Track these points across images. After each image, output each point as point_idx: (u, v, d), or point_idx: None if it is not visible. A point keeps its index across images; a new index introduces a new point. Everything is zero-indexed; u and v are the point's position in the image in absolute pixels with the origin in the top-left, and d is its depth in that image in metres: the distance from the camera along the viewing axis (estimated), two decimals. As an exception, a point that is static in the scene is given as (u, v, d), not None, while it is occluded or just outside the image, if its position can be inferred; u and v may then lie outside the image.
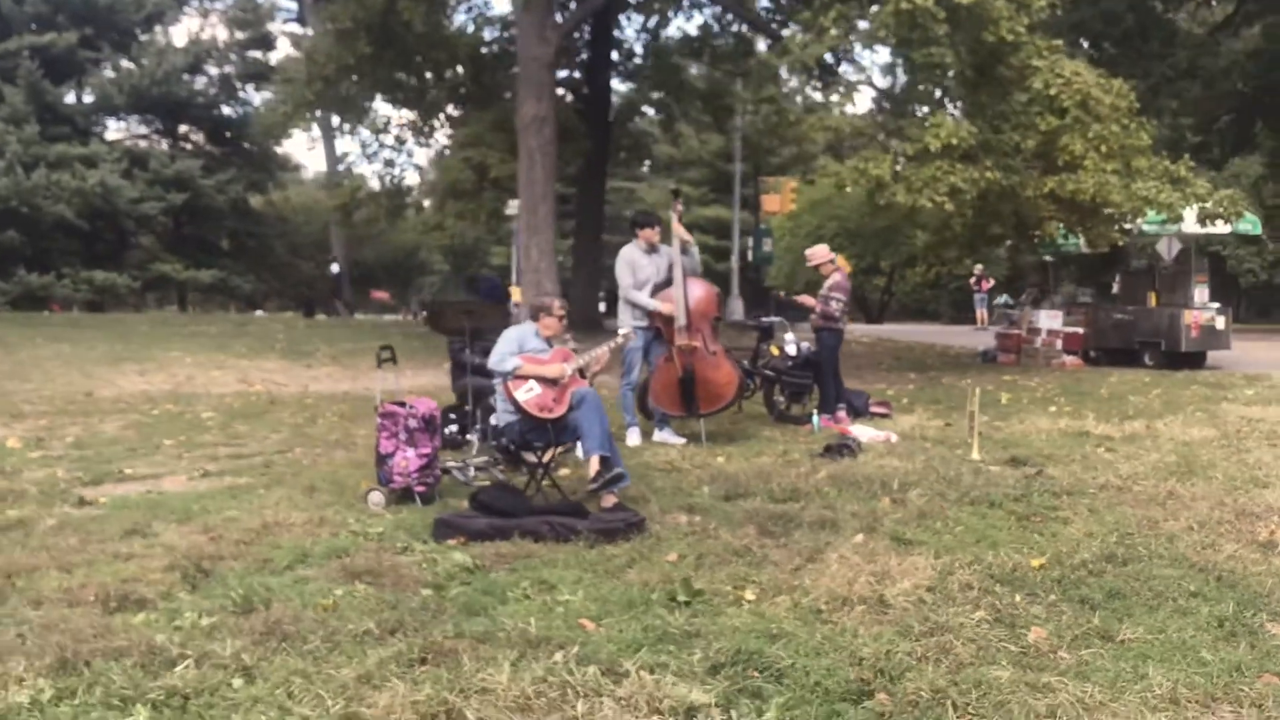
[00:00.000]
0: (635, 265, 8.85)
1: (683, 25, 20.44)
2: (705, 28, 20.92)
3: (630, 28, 22.31)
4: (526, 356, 6.55)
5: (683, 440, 8.94)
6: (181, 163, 41.07)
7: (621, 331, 7.63)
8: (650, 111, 25.63)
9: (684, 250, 8.86)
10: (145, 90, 40.69)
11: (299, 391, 13.67)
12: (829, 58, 13.44)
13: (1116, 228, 17.11)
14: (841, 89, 13.16)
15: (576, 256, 24.83)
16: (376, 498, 6.68)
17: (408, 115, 21.56)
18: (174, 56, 41.74)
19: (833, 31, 11.84)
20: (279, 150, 53.32)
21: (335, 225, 40.37)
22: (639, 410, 9.25)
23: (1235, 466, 7.66)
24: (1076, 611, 4.57)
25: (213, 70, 46.48)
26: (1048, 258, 23.73)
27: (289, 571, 5.20)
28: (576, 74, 22.62)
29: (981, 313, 36.28)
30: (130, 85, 40.56)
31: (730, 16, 19.36)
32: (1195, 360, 19.03)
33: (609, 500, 6.34)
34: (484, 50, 21.07)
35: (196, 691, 3.61)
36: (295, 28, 45.73)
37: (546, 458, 6.80)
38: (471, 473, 7.55)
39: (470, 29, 21.70)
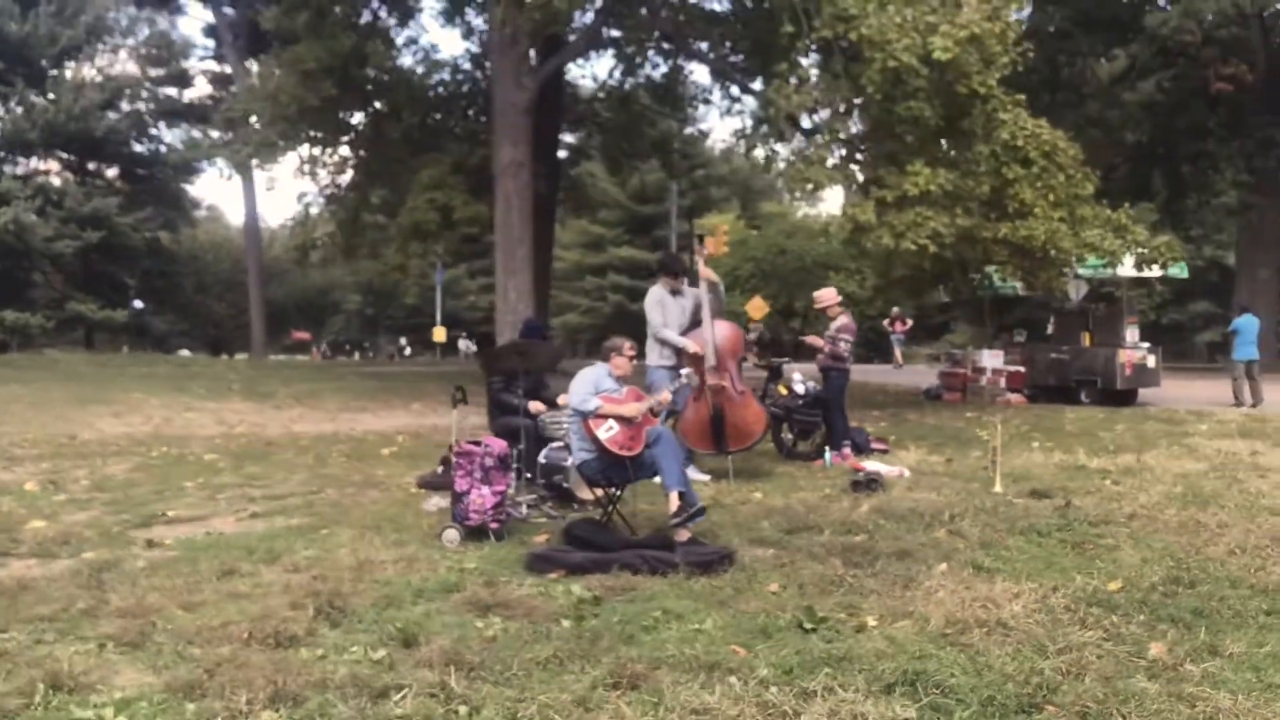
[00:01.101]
0: (664, 305, 9.16)
1: (649, 73, 20.65)
2: (668, 76, 21.46)
3: (584, 74, 22.80)
4: (604, 396, 6.78)
5: (708, 477, 9.22)
6: (97, 200, 40.24)
7: (684, 373, 7.90)
8: (596, 156, 26.03)
9: (711, 290, 9.20)
10: (60, 126, 39.87)
11: (284, 433, 13.61)
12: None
13: (1060, 272, 17.99)
14: (820, 140, 13.67)
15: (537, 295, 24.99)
16: (452, 535, 6.81)
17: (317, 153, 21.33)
18: (91, 92, 40.99)
19: (819, 84, 12.38)
20: (188, 188, 52.75)
21: (253, 264, 39.88)
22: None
23: (1239, 496, 8.21)
24: (1175, 629, 4.95)
25: (125, 106, 45.73)
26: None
27: (417, 606, 5.33)
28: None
29: (898, 352, 37.60)
30: (45, 120, 39.68)
31: (691, 66, 19.99)
32: (1128, 397, 20.02)
33: (683, 535, 6.58)
34: (435, 93, 21.28)
35: (428, 718, 3.77)
36: (213, 65, 45.23)
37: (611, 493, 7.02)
38: (524, 510, 7.72)
39: (420, 71, 21.91)
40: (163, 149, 47.27)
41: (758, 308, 39.98)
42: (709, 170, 62.66)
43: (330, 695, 3.97)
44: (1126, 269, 18.57)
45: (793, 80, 13.03)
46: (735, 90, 20.43)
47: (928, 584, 5.68)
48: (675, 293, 9.29)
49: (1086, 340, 20.84)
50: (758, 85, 16.50)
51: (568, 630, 4.89)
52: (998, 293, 22.56)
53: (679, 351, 9.10)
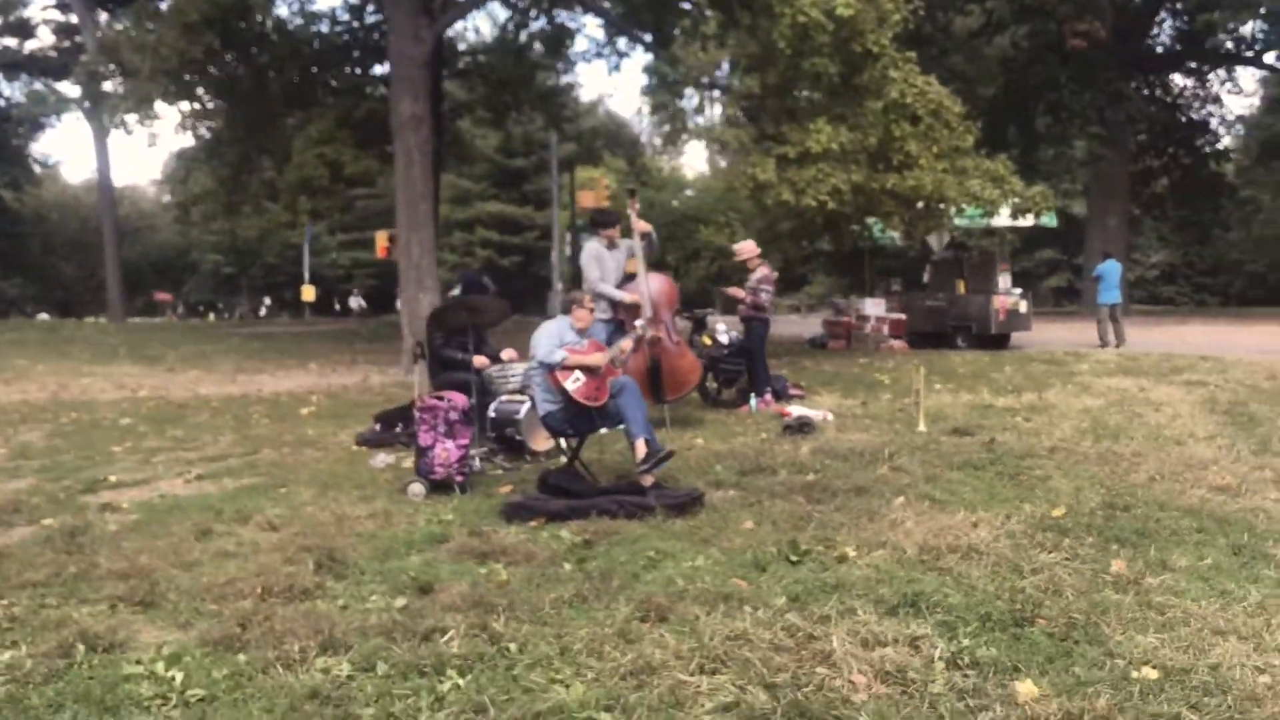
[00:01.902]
0: (601, 259, 9.31)
1: (542, 26, 20.34)
2: (560, 29, 21.35)
3: (468, 26, 22.51)
4: (568, 348, 6.93)
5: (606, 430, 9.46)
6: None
7: (639, 324, 8.08)
8: (480, 111, 25.75)
9: (645, 240, 9.39)
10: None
11: (191, 396, 13.30)
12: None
13: (939, 222, 18.74)
14: (722, 96, 13.91)
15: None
16: (417, 489, 6.91)
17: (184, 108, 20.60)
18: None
19: (728, 39, 12.62)
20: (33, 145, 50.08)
21: (108, 224, 38.18)
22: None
23: (1143, 428, 8.87)
24: (1125, 549, 5.42)
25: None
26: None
27: (413, 556, 5.46)
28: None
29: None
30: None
31: (584, 20, 19.92)
32: (1002, 341, 21.06)
33: (648, 480, 6.80)
34: (313, 46, 20.75)
35: (483, 657, 3.93)
36: (56, 14, 42.84)
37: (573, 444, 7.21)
38: (477, 463, 7.83)
39: (299, 23, 21.33)
40: (1, 103, 44.79)
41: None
42: (579, 124, 62.47)
43: (378, 640, 4.10)
44: (1002, 219, 19.46)
45: (697, 37, 13.24)
46: (623, 44, 20.50)
47: (891, 516, 6.05)
48: (611, 246, 9.45)
49: (961, 288, 21.79)
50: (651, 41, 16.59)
51: (574, 572, 5.09)
52: (876, 243, 23.37)
53: (615, 304, 9.28)
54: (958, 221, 20.21)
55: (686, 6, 13.34)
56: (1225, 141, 44.72)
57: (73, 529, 6.12)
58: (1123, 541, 5.56)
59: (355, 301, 46.00)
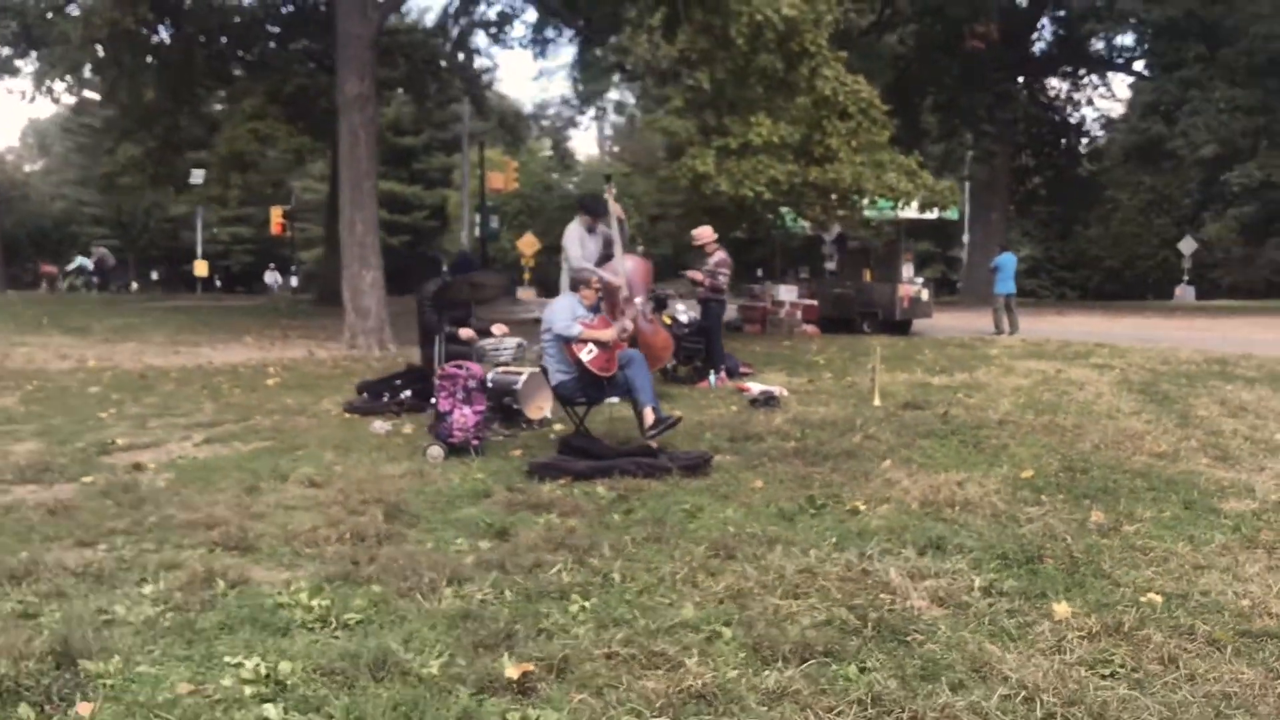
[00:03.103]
0: (583, 241, 9.83)
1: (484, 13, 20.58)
2: (503, 15, 21.64)
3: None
4: (581, 322, 7.45)
5: (615, 399, 10.01)
6: None
7: (637, 301, 8.61)
8: (400, 91, 25.83)
9: (619, 225, 9.93)
10: None
11: (142, 367, 13.34)
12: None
13: (856, 213, 19.70)
14: (672, 89, 14.48)
15: (330, 234, 24.64)
16: (436, 452, 7.35)
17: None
18: None
19: (681, 37, 13.21)
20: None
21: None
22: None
23: (1074, 404, 9.77)
24: (1095, 504, 6.21)
25: None
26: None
27: (470, 508, 5.94)
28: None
29: None
30: None
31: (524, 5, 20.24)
32: (905, 327, 22.20)
33: (653, 445, 7.38)
34: (240, 20, 20.65)
35: (592, 585, 4.47)
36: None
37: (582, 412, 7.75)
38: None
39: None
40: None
41: (529, 244, 40.66)
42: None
43: (495, 573, 4.60)
44: (911, 211, 20.51)
45: (645, 29, 13.78)
46: (549, 32, 20.90)
47: (886, 476, 6.74)
48: (590, 230, 9.95)
49: (868, 276, 22.89)
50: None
51: (625, 521, 5.64)
52: (788, 232, 24.28)
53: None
54: (868, 213, 21.21)
55: (630, -1, 13.88)
56: (1096, 143, 47.15)
57: (123, 484, 6.41)
58: (1089, 498, 6.33)
59: (271, 277, 45.14)
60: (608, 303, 9.87)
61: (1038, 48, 42.66)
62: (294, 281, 44.17)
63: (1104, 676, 3.67)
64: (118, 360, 13.91)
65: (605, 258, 9.89)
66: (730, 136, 14.26)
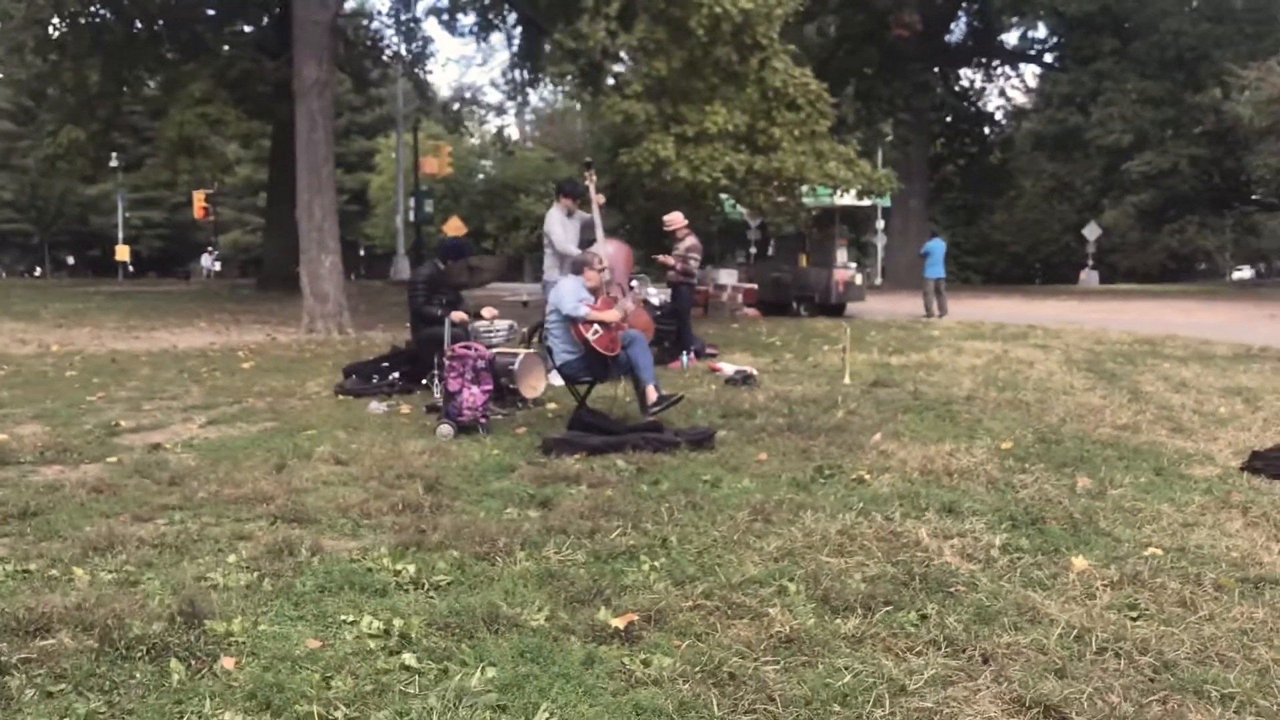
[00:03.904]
0: (565, 224, 10.11)
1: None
2: (454, 2, 21.62)
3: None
4: (585, 304, 7.76)
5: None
6: None
7: (634, 283, 8.93)
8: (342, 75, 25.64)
9: (600, 210, 10.23)
10: None
11: (108, 350, 13.28)
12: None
13: (798, 201, 20.25)
14: (630, 76, 14.76)
15: (270, 220, 24.54)
16: (446, 430, 7.61)
17: None
18: None
19: (639, 27, 13.50)
20: None
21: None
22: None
23: (1030, 382, 10.36)
24: (1077, 470, 6.72)
25: None
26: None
27: (503, 481, 6.23)
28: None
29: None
30: None
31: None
32: (839, 310, 22.88)
33: (648, 420, 7.74)
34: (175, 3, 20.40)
35: (653, 547, 4.82)
36: None
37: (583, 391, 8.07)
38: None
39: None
40: None
41: (455, 228, 40.61)
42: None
43: (559, 536, 4.92)
44: (849, 198, 21.14)
45: (602, 18, 14.04)
46: (505, 19, 21.01)
47: (880, 448, 7.18)
48: (570, 214, 10.24)
49: (804, 261, 23.51)
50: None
51: (652, 491, 5.99)
52: (727, 218, 24.80)
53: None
54: (806, 200, 21.79)
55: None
56: (1006, 132, 48.59)
57: (153, 464, 6.56)
58: (1068, 466, 6.83)
59: (207, 262, 44.27)
60: (595, 283, 10.17)
61: (953, 39, 43.84)
62: (217, 266, 43.44)
63: (1134, 618, 4.12)
64: (80, 344, 13.81)
65: (586, 242, 10.19)
66: (686, 124, 14.63)
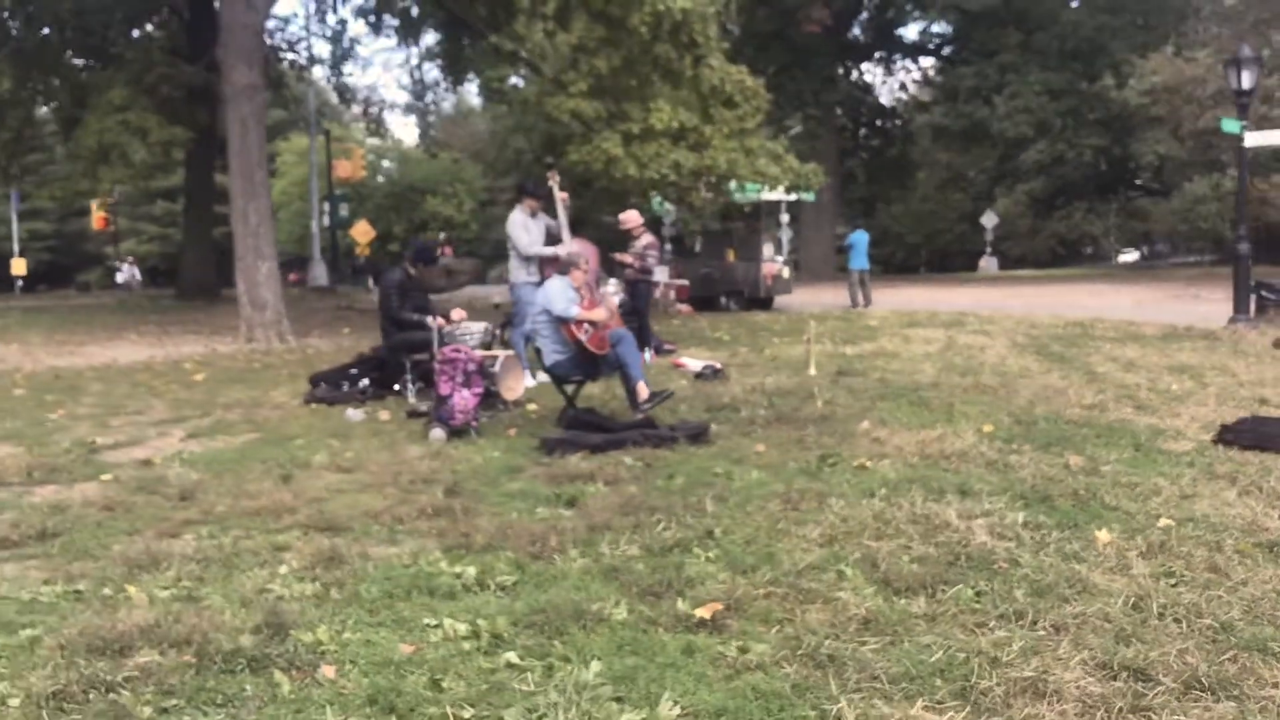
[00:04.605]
0: (528, 227, 10.12)
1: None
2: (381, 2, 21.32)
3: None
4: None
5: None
6: None
7: (612, 282, 8.99)
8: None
9: (565, 209, 10.28)
10: None
11: (42, 367, 12.87)
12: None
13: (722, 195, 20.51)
14: (571, 75, 14.80)
15: (189, 228, 23.96)
16: (438, 434, 7.60)
17: None
18: None
19: (578, 25, 13.56)
20: None
21: None
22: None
23: (986, 367, 10.67)
24: (1063, 450, 6.99)
25: None
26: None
27: (517, 483, 6.26)
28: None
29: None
30: None
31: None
32: (767, 304, 23.22)
33: (638, 417, 7.83)
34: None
35: (702, 539, 4.92)
36: None
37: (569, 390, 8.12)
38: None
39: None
40: None
41: (364, 233, 40.10)
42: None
43: (607, 533, 4.98)
44: (777, 193, 21.46)
45: (539, 17, 14.06)
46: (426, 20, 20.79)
47: (872, 435, 7.37)
48: (534, 215, 10.25)
49: (731, 256, 23.78)
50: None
51: (668, 486, 6.08)
52: (654, 214, 24.94)
53: (543, 266, 10.12)
54: (737, 196, 22.07)
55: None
56: (907, 125, 49.72)
57: (152, 480, 6.44)
58: (1053, 446, 7.10)
59: (128, 272, 42.71)
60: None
61: (854, 33, 44.71)
62: (137, 275, 42.15)
63: (1173, 585, 4.35)
64: (13, 361, 13.37)
65: (551, 242, 10.22)
66: (631, 122, 14.74)
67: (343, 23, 21.44)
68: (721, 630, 3.85)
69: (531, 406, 8.94)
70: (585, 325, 7.73)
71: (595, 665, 3.52)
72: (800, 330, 14.98)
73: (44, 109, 21.11)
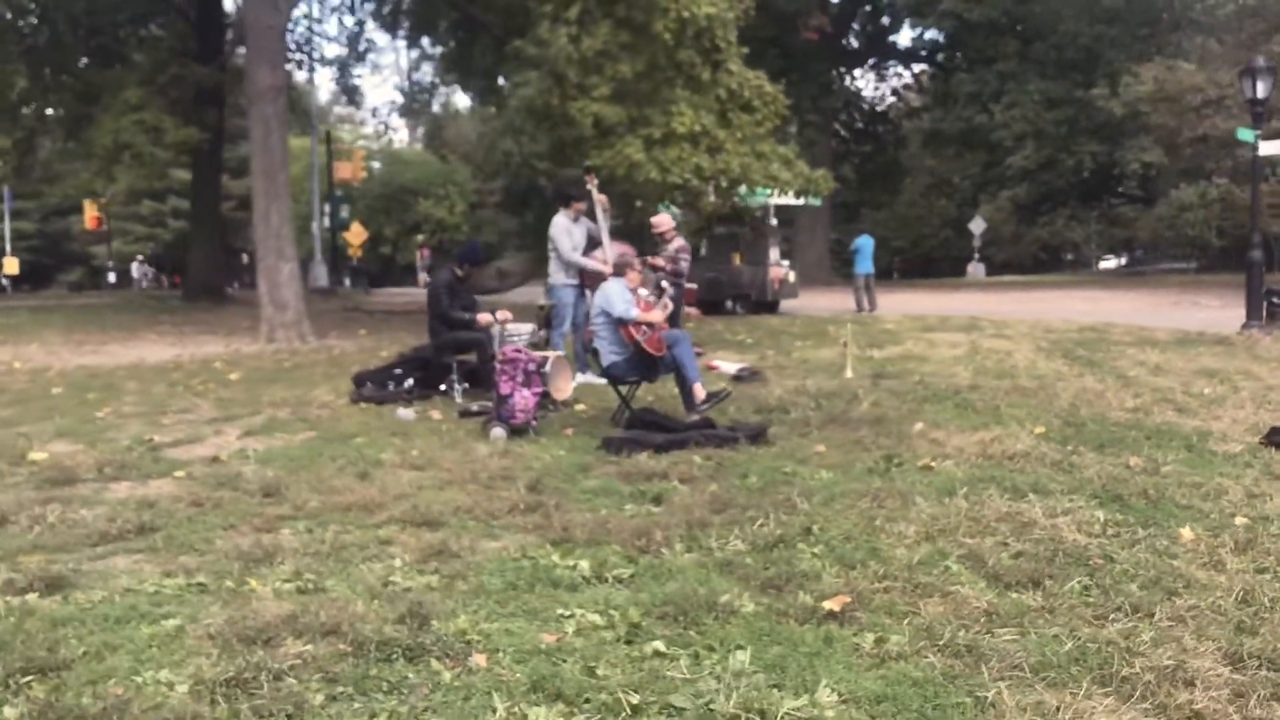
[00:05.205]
0: (570, 231, 10.21)
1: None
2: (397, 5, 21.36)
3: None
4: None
5: (604, 380, 10.46)
6: None
7: (664, 283, 9.06)
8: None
9: (605, 211, 10.38)
10: None
11: (75, 367, 12.87)
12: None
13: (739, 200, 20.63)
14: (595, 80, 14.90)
15: (195, 229, 23.93)
16: (499, 432, 7.67)
17: None
18: None
19: (603, 31, 13.69)
20: None
21: None
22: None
23: (1020, 370, 10.82)
24: (1119, 451, 7.13)
25: None
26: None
27: (591, 480, 6.34)
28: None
29: (424, 275, 44.10)
30: None
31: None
32: (773, 308, 23.35)
33: (693, 418, 7.93)
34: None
35: (801, 535, 5.02)
36: None
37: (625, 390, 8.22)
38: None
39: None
40: None
41: (356, 234, 40.08)
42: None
43: (708, 529, 5.08)
44: (786, 198, 21.58)
45: (562, 22, 14.16)
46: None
47: (930, 437, 7.48)
48: (576, 219, 10.35)
49: (737, 259, 23.92)
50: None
51: (748, 484, 6.18)
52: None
53: (582, 271, 10.23)
54: (750, 201, 22.18)
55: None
56: (900, 131, 50.06)
57: (229, 477, 6.49)
58: (1105, 447, 7.25)
59: (139, 269, 42.43)
60: (594, 288, 10.30)
61: (849, 40, 44.98)
62: (149, 272, 41.96)
63: (1270, 579, 4.49)
64: (39, 360, 13.37)
65: (591, 245, 10.31)
66: (653, 126, 14.86)
67: (360, 23, 21.43)
68: (850, 622, 3.95)
69: (580, 407, 9.03)
70: (643, 327, 7.83)
71: (740, 654, 3.62)
72: (819, 334, 15.14)
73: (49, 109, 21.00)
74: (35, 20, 17.99)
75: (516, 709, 3.24)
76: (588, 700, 3.30)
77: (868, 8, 43.17)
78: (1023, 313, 19.76)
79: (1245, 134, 14.88)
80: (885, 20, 42.41)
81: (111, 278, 42.84)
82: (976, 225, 46.66)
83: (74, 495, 6.13)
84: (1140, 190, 43.78)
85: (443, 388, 9.54)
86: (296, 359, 13.28)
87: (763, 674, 3.48)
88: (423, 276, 47.28)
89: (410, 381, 9.72)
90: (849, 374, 10.55)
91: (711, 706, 3.23)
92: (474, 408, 8.73)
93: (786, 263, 23.81)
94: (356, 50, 23.08)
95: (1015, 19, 32.92)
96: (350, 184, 36.59)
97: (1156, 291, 29.34)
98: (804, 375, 10.67)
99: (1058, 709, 3.24)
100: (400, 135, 67.77)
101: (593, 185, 10.37)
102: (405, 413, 8.77)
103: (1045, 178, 41.30)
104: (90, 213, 39.24)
